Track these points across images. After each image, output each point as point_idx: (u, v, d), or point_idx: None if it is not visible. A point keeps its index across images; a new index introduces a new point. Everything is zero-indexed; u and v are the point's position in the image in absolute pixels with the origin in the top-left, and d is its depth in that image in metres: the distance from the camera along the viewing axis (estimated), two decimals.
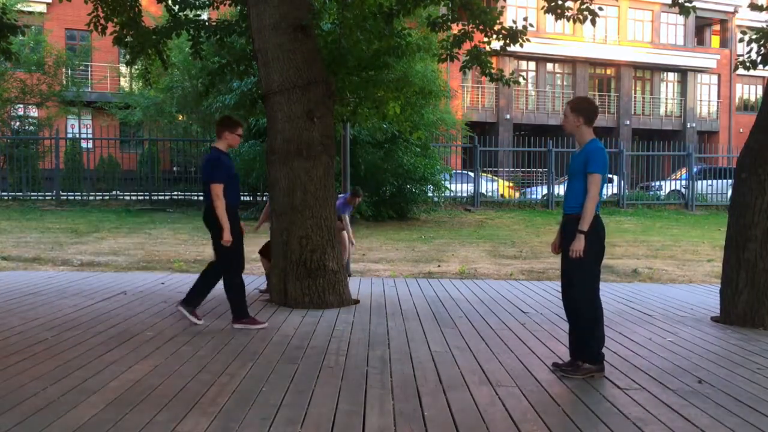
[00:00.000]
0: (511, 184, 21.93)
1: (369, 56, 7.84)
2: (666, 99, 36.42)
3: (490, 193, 21.27)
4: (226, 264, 5.67)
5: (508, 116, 32.28)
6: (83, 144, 22.32)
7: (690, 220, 18.89)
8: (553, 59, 33.72)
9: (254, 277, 8.58)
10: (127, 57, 8.62)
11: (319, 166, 6.66)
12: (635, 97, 35.47)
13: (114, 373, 4.19)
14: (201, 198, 21.33)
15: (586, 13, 7.69)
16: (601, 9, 8.01)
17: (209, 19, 8.60)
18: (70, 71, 25.27)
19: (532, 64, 33.69)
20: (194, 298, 5.78)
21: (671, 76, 36.61)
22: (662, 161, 23.80)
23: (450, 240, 13.75)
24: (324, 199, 6.73)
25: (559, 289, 4.78)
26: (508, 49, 8.09)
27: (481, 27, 7.88)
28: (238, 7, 8.40)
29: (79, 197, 18.80)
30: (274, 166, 6.78)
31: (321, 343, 5.17)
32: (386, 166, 16.19)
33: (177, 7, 8.46)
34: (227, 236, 5.47)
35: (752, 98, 38.45)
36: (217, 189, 5.44)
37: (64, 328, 5.52)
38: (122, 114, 24.15)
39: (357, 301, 7.02)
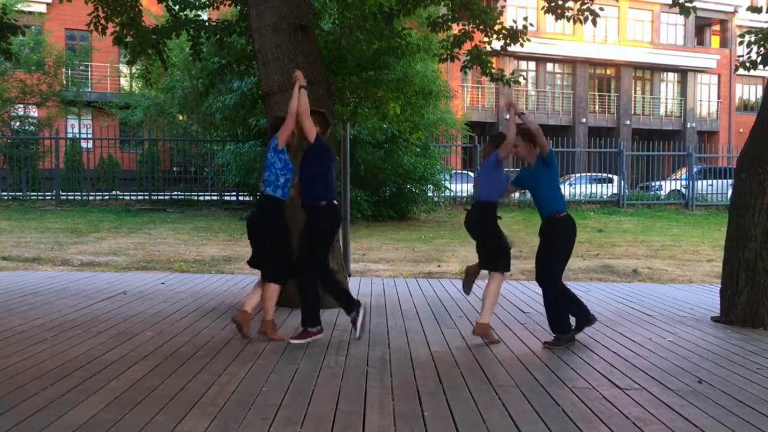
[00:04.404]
0: None
1: (369, 56, 7.83)
2: (666, 99, 36.42)
3: None
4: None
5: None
6: (83, 144, 22.33)
7: (690, 220, 18.88)
8: (553, 59, 33.71)
9: (254, 278, 8.57)
10: (128, 57, 8.62)
11: None
12: (635, 97, 35.47)
13: (114, 373, 4.19)
14: (200, 198, 21.27)
15: (586, 13, 7.68)
16: (601, 9, 7.98)
17: (209, 19, 8.59)
18: (70, 71, 25.27)
19: (532, 64, 33.69)
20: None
21: (671, 76, 36.62)
22: (662, 161, 23.81)
23: (450, 240, 13.73)
24: None
25: None
26: (509, 49, 8.07)
27: (481, 27, 7.85)
28: (238, 7, 8.39)
29: (79, 197, 18.80)
30: None
31: (321, 343, 5.18)
32: (386, 166, 16.17)
33: (177, 7, 8.45)
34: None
35: (752, 98, 38.44)
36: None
37: (64, 328, 5.52)
38: (122, 114, 24.13)
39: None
